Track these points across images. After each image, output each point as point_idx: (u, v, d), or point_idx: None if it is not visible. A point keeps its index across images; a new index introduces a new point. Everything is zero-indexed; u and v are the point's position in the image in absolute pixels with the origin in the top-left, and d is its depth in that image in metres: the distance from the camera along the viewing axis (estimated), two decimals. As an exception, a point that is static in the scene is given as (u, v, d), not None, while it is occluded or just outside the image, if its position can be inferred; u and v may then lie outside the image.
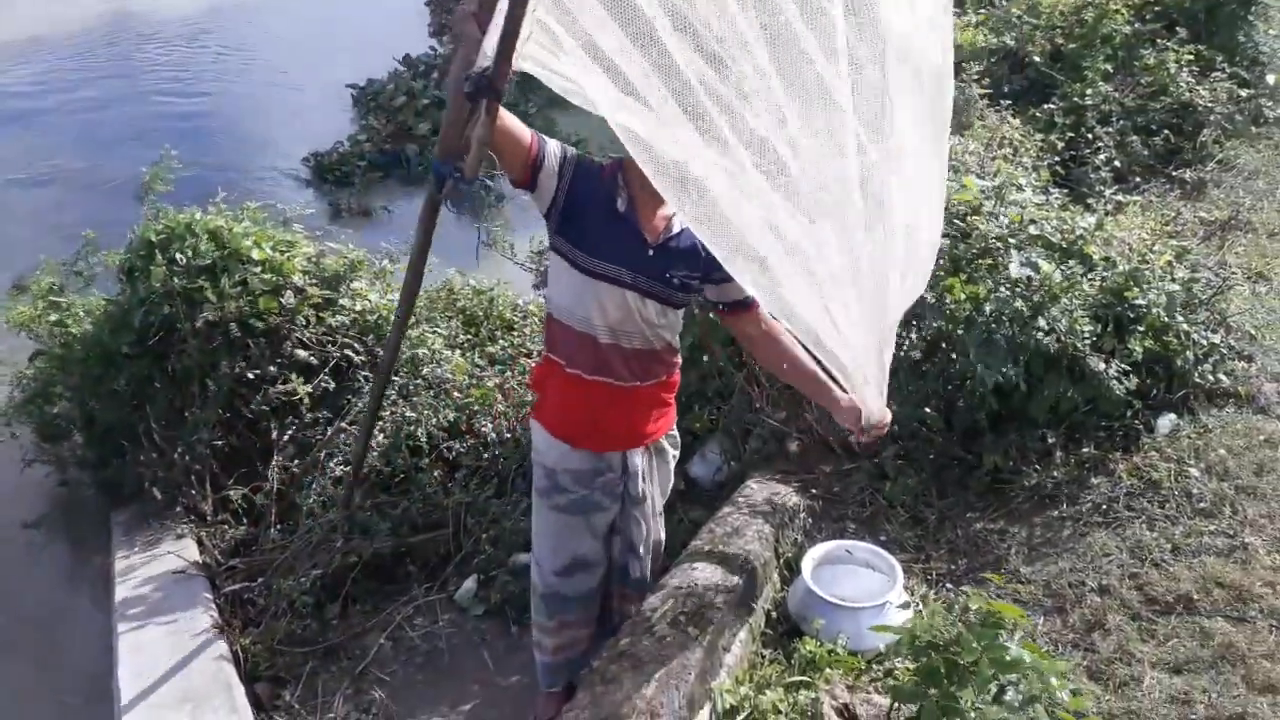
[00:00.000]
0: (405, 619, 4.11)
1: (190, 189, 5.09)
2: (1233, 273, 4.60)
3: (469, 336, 5.21)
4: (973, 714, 2.28)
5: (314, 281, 4.70)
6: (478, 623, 4.08)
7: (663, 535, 3.21)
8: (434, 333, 4.87)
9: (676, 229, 2.64)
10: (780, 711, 2.49)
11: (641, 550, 3.04)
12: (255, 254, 4.44)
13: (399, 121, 8.79)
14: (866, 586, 3.23)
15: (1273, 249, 5.24)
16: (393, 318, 3.58)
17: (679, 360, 2.92)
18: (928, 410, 3.82)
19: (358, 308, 4.77)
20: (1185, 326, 3.89)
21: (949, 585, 3.39)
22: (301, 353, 4.49)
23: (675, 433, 3.05)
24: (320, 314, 4.66)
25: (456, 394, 4.62)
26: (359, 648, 4.00)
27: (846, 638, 2.96)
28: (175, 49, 11.63)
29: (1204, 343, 3.93)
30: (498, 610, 4.05)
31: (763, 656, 2.91)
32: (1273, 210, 5.64)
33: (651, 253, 2.63)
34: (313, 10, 12.85)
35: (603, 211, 2.60)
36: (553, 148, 2.58)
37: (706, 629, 2.65)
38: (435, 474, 4.42)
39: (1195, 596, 3.10)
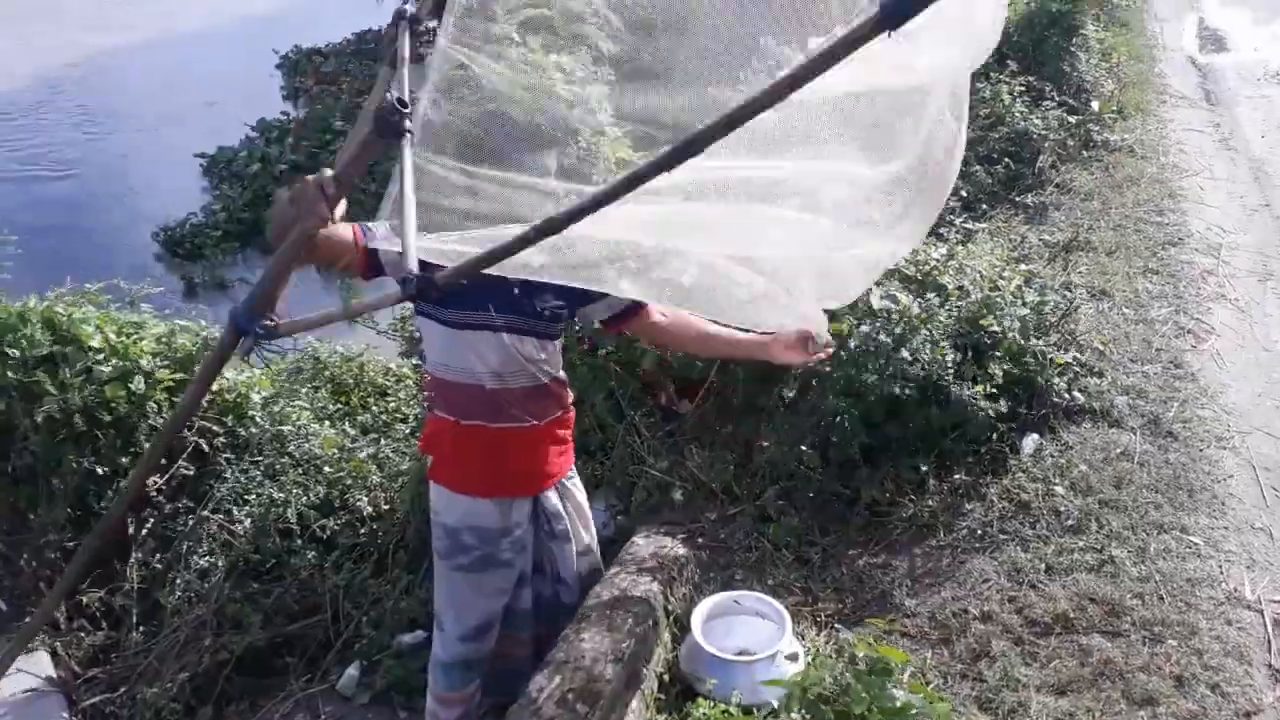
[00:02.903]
0: (285, 716, 3.88)
1: (28, 273, 4.80)
2: (1078, 292, 4.77)
3: (339, 406, 5.02)
4: (868, 766, 2.25)
5: (165, 364, 4.44)
6: (364, 713, 3.88)
7: (601, 569, 3.21)
8: (295, 406, 4.65)
9: None
10: (678, 783, 2.41)
11: (570, 581, 3.05)
12: (96, 341, 4.17)
13: (255, 189, 8.49)
14: (758, 636, 3.19)
15: (1112, 266, 5.48)
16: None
17: (570, 395, 2.89)
18: (804, 448, 3.83)
19: (215, 388, 4.54)
20: (1040, 348, 4.01)
21: (838, 626, 3.37)
22: (148, 445, 4.21)
23: (574, 473, 3.03)
24: (174, 397, 4.41)
25: (327, 469, 4.43)
26: (229, 763, 3.76)
27: (740, 693, 2.90)
28: (8, 119, 11.01)
29: (1058, 362, 4.05)
30: (384, 697, 3.85)
31: (657, 721, 2.83)
32: (1108, 229, 5.91)
33: (517, 290, 2.59)
34: (156, 77, 12.35)
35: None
36: (381, 231, 2.49)
37: (596, 705, 2.55)
38: (309, 555, 4.20)
39: (1072, 615, 3.16)
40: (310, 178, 1.94)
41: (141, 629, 4.08)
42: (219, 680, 3.88)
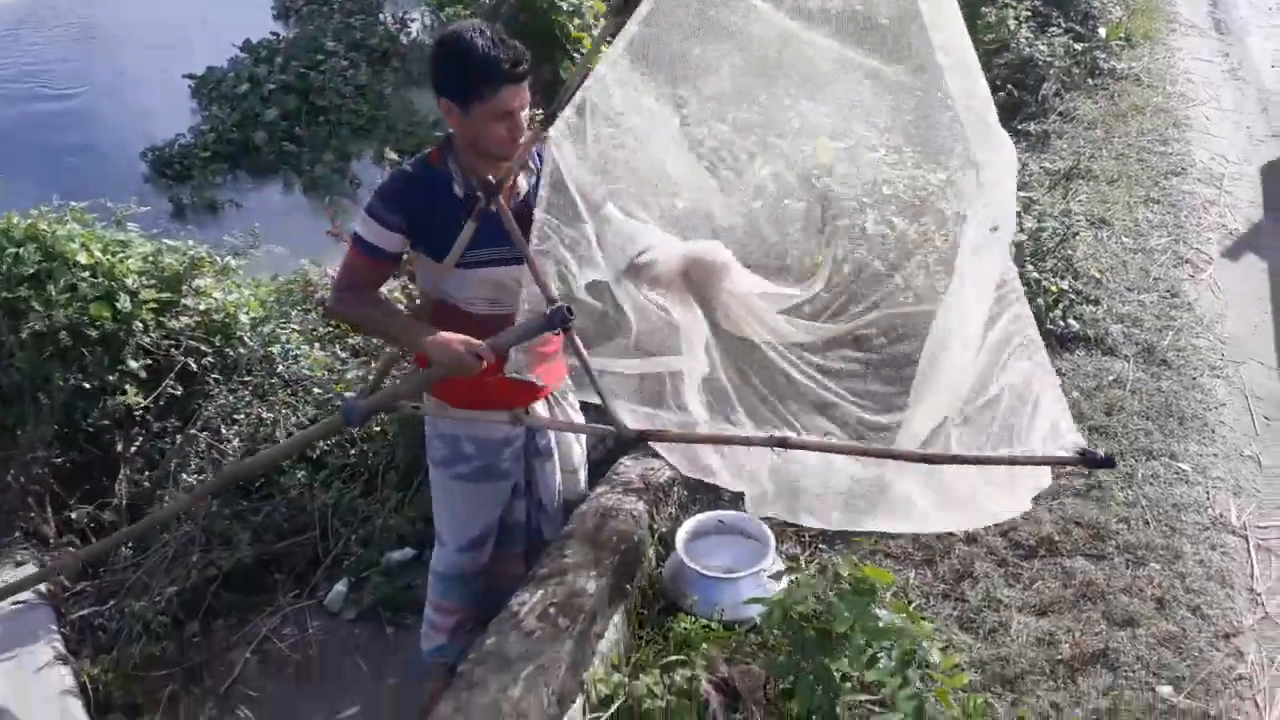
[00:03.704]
0: (273, 631, 3.88)
1: (13, 191, 4.71)
2: (1077, 219, 4.71)
3: (330, 329, 4.97)
4: (847, 684, 2.25)
5: (152, 283, 4.38)
6: (350, 628, 3.88)
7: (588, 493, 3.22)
8: (285, 328, 4.61)
9: (524, 189, 2.57)
10: (655, 695, 2.42)
11: (551, 508, 3.05)
12: (82, 257, 4.11)
13: (244, 109, 8.31)
14: (742, 555, 3.19)
15: (1112, 195, 5.40)
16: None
17: None
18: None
19: (202, 307, 4.46)
20: (1035, 275, 3.96)
21: (822, 546, 3.37)
22: (134, 363, 4.17)
23: (568, 387, 2.99)
24: (160, 317, 4.35)
25: (316, 390, 4.40)
26: (224, 665, 3.77)
27: (723, 610, 2.91)
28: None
29: (1054, 289, 4.01)
30: (371, 613, 3.85)
31: (640, 638, 2.83)
32: (1110, 158, 5.82)
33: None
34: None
35: (453, 215, 2.50)
36: (381, 241, 2.51)
37: (578, 618, 2.55)
38: (299, 475, 4.19)
39: (1057, 538, 3.16)
40: (472, 350, 2.39)
41: (130, 545, 4.09)
42: (206, 595, 3.88)
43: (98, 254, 4.19)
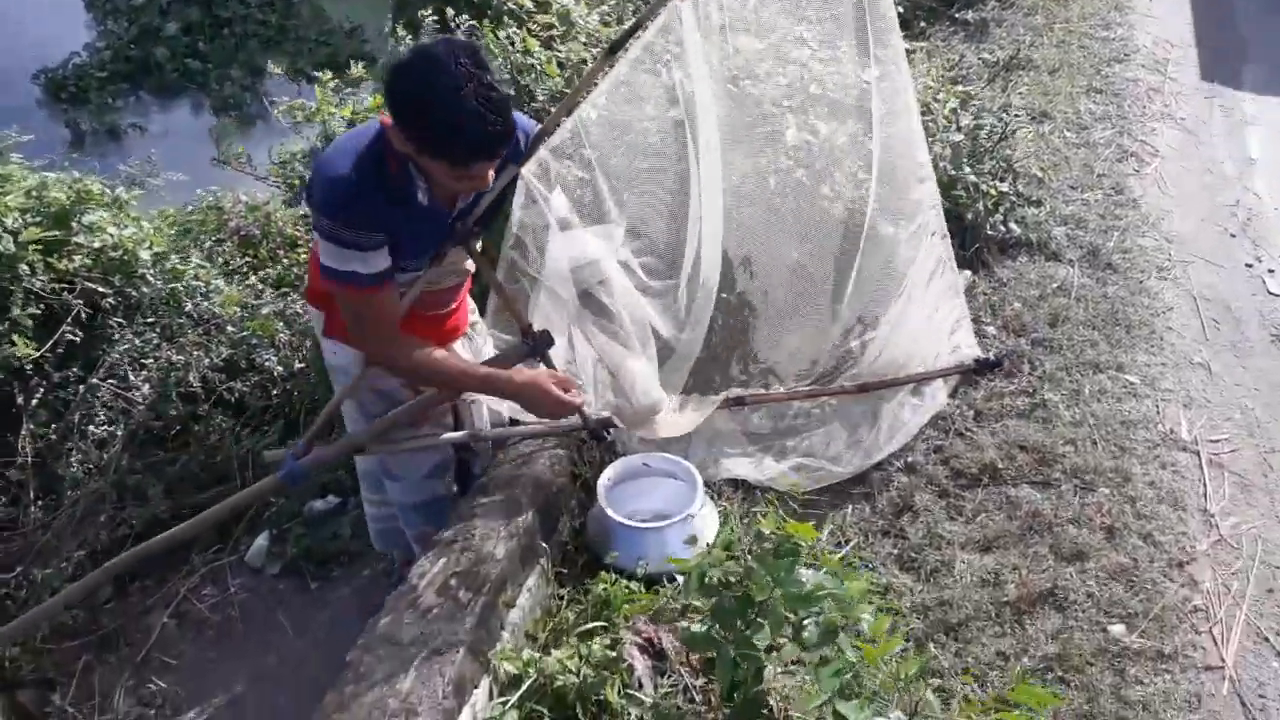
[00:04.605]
0: (192, 590, 3.60)
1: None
2: (1017, 115, 4.33)
3: (247, 259, 4.54)
4: (773, 654, 1.97)
5: (37, 220, 3.89)
6: (274, 583, 3.61)
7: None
8: (190, 263, 4.16)
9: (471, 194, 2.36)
10: (570, 670, 2.12)
11: (480, 444, 2.89)
12: (-57, 198, 3.63)
13: (142, 24, 7.53)
14: (670, 498, 2.88)
15: (1054, 86, 5.01)
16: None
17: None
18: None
19: (96, 245, 3.99)
20: (973, 178, 3.60)
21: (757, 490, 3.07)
22: (18, 310, 3.72)
23: (478, 319, 2.82)
24: (49, 258, 3.88)
25: (230, 328, 3.99)
26: (140, 631, 3.48)
27: (647, 562, 2.61)
28: None
29: (992, 192, 3.65)
30: (294, 567, 3.57)
31: (560, 598, 2.53)
32: (1051, 45, 5.41)
33: (452, 219, 2.37)
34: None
35: (422, 226, 2.28)
36: (377, 262, 2.22)
37: (483, 589, 2.23)
38: (219, 419, 3.82)
39: (1000, 465, 2.87)
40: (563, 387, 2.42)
41: (40, 504, 3.72)
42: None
43: (-37, 194, 3.71)
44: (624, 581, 2.41)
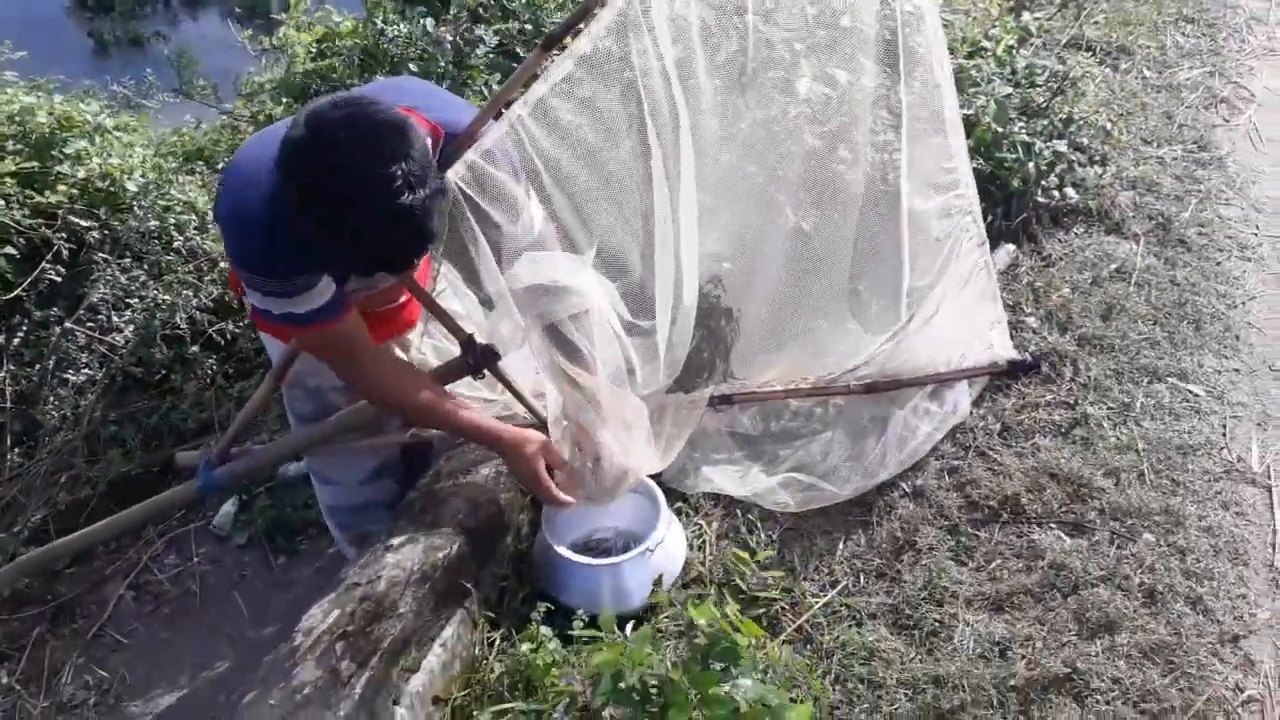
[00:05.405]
0: (154, 558, 3.30)
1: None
2: (1082, 59, 3.60)
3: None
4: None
5: (17, 148, 3.53)
6: (239, 555, 3.29)
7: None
8: (185, 192, 3.78)
9: None
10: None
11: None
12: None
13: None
14: (634, 515, 2.43)
15: (1138, 14, 4.23)
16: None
17: None
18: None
19: (81, 175, 3.63)
20: (1024, 137, 2.95)
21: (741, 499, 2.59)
22: None
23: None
24: (27, 190, 3.51)
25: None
26: (97, 602, 3.20)
27: (592, 603, 2.17)
28: None
29: (1046, 154, 3.00)
30: (266, 536, 3.25)
31: (490, 645, 2.11)
32: (1138, -36, 4.58)
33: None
34: None
35: None
36: (327, 294, 1.78)
37: (372, 658, 1.82)
38: (209, 364, 3.49)
39: (1024, 498, 2.33)
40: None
41: (18, 451, 3.42)
42: (79, 520, 3.27)
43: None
44: (550, 641, 1.97)
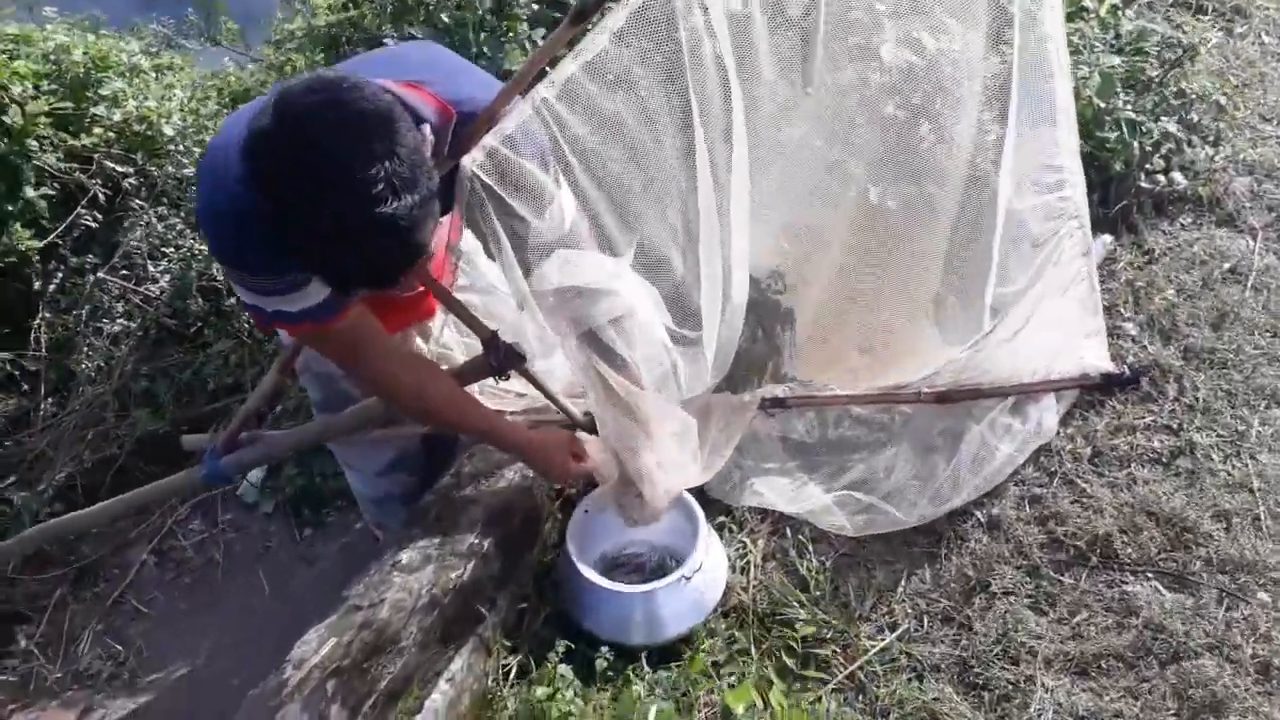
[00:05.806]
0: (179, 523, 3.19)
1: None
2: (1200, 18, 3.16)
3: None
4: None
5: (52, 88, 3.34)
6: (264, 523, 3.20)
7: None
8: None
9: None
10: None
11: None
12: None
13: None
14: (671, 530, 2.16)
15: (1258, -31, 3.73)
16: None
17: None
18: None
19: (117, 118, 3.46)
20: (1130, 114, 2.56)
21: (790, 517, 2.30)
22: (31, 191, 3.18)
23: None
24: (61, 132, 3.34)
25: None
26: (119, 567, 3.08)
27: (624, 633, 1.92)
28: None
29: (1154, 133, 2.61)
30: (292, 506, 3.11)
31: (504, 679, 1.86)
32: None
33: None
34: None
35: None
36: (296, 304, 1.53)
37: (365, 703, 1.58)
38: (245, 318, 3.32)
39: (1117, 541, 2.01)
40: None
41: (51, 401, 3.33)
42: (105, 480, 3.10)
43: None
44: (568, 688, 1.71)
